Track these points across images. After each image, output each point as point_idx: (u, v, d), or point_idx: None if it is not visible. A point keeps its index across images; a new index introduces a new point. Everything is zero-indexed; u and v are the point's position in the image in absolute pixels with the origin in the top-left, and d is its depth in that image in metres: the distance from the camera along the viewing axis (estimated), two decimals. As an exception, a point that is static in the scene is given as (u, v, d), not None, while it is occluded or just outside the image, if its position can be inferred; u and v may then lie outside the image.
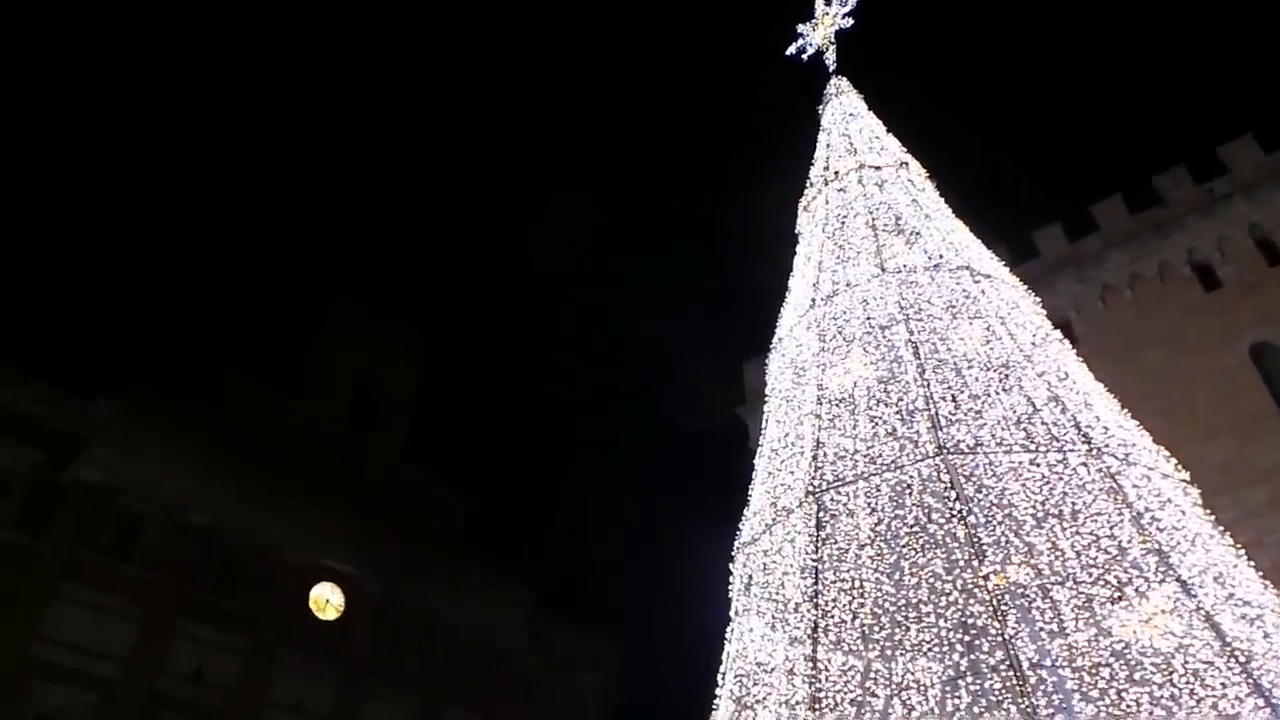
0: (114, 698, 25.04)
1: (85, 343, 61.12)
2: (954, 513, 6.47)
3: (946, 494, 6.60)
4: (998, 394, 7.87)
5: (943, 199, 11.89)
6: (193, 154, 76.71)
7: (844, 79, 15.36)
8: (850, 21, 16.19)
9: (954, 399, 7.60)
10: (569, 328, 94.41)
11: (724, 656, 7.65)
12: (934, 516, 6.55)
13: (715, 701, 7.31)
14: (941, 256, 9.55)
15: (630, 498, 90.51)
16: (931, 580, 6.28)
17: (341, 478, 33.13)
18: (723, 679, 7.27)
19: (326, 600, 31.61)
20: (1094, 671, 6.11)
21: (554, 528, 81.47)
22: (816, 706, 6.11)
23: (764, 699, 6.54)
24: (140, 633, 26.24)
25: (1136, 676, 6.09)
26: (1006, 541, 6.69)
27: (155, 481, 28.11)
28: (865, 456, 7.44)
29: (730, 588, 8.04)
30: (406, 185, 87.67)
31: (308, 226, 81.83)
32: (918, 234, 9.94)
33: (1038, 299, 10.65)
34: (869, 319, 8.82)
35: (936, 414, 7.51)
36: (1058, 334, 9.77)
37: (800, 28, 16.54)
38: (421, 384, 40.29)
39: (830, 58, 15.94)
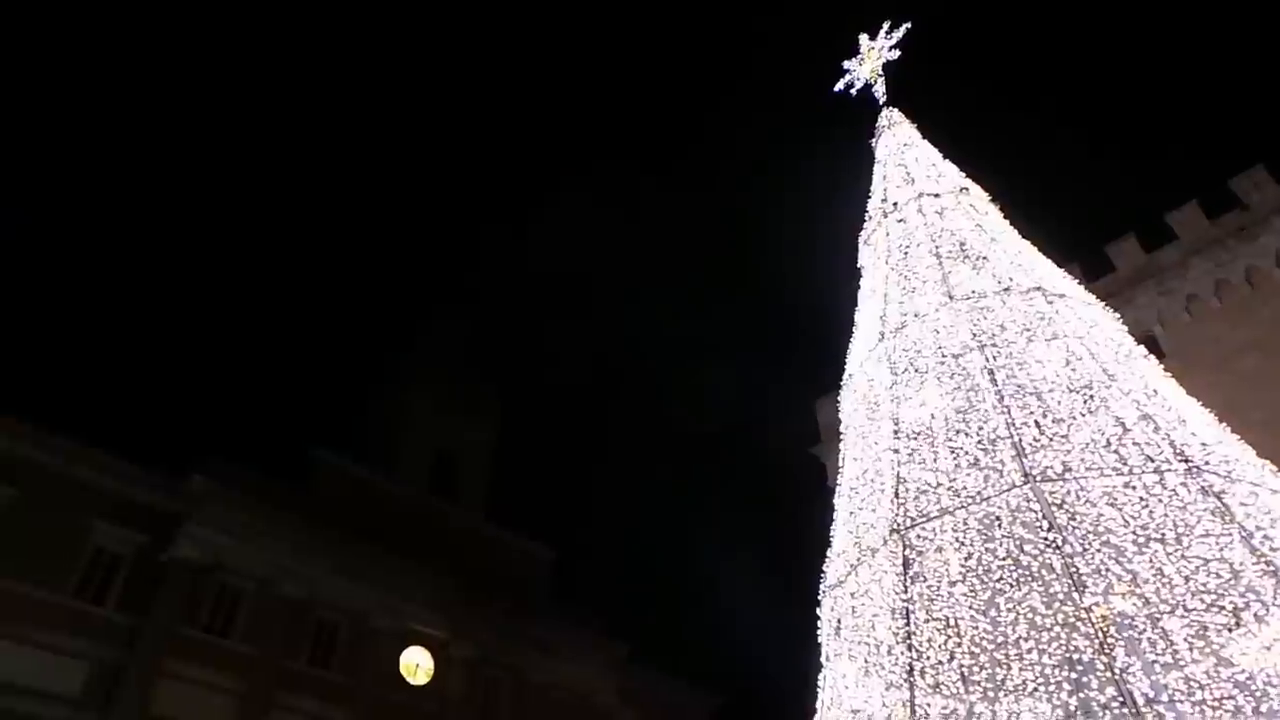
0: (220, 772, 25.57)
1: (175, 424, 63.91)
2: (1048, 543, 6.22)
3: (1038, 524, 6.36)
4: (1083, 416, 7.58)
5: (1007, 221, 11.67)
6: (266, 237, 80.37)
7: (895, 110, 15.31)
8: (898, 54, 16.19)
9: (1037, 424, 7.35)
10: (638, 374, 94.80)
11: (818, 705, 7.45)
12: (1027, 548, 6.30)
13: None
14: (1011, 279, 9.34)
15: (714, 543, 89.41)
16: (1030, 615, 6.02)
17: (427, 542, 33.63)
18: (820, 728, 7.06)
19: (417, 665, 31.87)
20: (1217, 705, 5.74)
21: (641, 578, 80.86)
22: (920, 755, 5.87)
23: (864, 750, 6.32)
24: (241, 707, 26.84)
25: (1264, 709, 5.69)
26: (1107, 570, 6.39)
27: (250, 556, 28.98)
28: (949, 490, 7.23)
29: (819, 632, 7.85)
30: (467, 248, 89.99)
31: (379, 301, 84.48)
32: (984, 258, 9.76)
33: (1117, 315, 10.30)
34: (941, 348, 8.64)
35: (1020, 441, 7.28)
36: (1142, 349, 9.41)
37: (847, 64, 16.58)
38: (499, 443, 40.83)
39: (880, 90, 15.91)
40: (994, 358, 8.31)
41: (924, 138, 14.38)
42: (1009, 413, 7.59)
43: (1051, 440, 7.28)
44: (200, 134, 76.76)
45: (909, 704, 6.17)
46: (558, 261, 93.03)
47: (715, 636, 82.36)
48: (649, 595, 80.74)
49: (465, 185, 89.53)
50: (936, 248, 10.40)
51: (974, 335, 8.74)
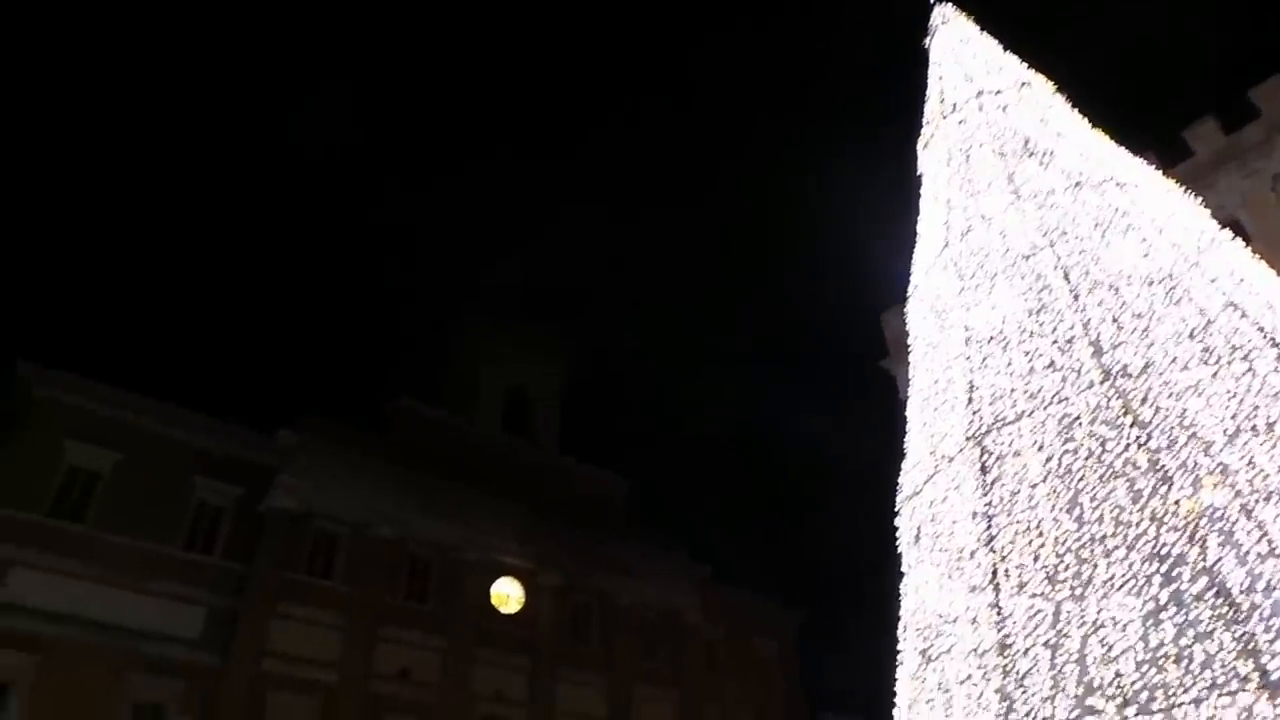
0: (334, 700, 27.31)
1: (262, 383, 66.42)
2: (1132, 440, 6.13)
3: (1120, 421, 6.26)
4: (1165, 308, 7.34)
5: (1075, 113, 11.14)
6: (336, 199, 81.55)
7: (949, 5, 14.61)
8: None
9: (1115, 320, 7.15)
10: (700, 302, 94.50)
11: (902, 612, 7.57)
12: (1109, 446, 6.22)
13: (899, 657, 7.25)
14: (1081, 173, 8.97)
15: (788, 461, 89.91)
16: (1115, 513, 5.97)
17: (507, 478, 34.67)
18: (904, 634, 7.20)
19: (507, 595, 33.23)
20: (1317, 592, 5.66)
21: (719, 502, 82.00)
22: (1006, 652, 5.96)
23: (949, 650, 6.43)
24: (347, 641, 28.47)
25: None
26: (1195, 464, 6.27)
27: (341, 502, 30.35)
28: (1025, 393, 7.12)
29: (899, 542, 7.93)
30: (533, 186, 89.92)
31: (447, 251, 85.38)
32: (1051, 153, 9.38)
33: (1198, 201, 9.84)
34: (1009, 250, 8.40)
35: (1098, 339, 7.10)
36: (1226, 234, 9.01)
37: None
38: (569, 377, 41.47)
39: (933, -15, 15.16)
40: (1066, 255, 8.06)
41: (981, 31, 13.72)
42: (1085, 310, 7.40)
43: (1131, 336, 7.08)
44: (270, 91, 77.66)
45: (994, 605, 6.24)
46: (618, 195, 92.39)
47: (797, 553, 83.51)
48: (729, 517, 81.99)
49: (528, 137, 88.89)
50: (1000, 146, 10.04)
51: (1044, 234, 8.47)
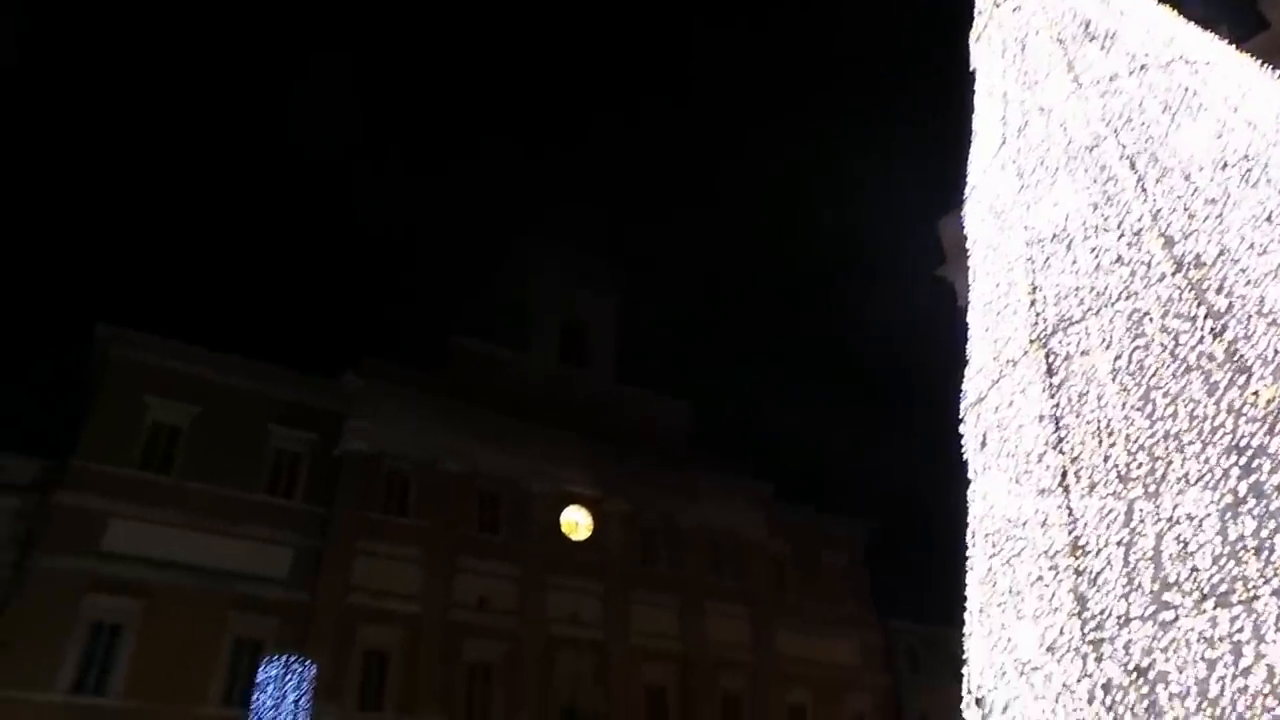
0: (419, 629, 28.62)
1: (327, 330, 68.01)
2: (1206, 331, 5.90)
3: (1194, 313, 6.02)
4: (1241, 192, 6.96)
5: (1139, -12, 10.44)
6: (386, 143, 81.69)
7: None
8: None
9: (1186, 208, 6.81)
10: (756, 220, 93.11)
11: (970, 519, 7.54)
12: (1183, 339, 6.00)
13: (968, 563, 7.24)
14: (1147, 54, 8.44)
15: (848, 379, 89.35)
16: (1190, 408, 5.79)
17: (568, 409, 35.19)
18: (972, 541, 7.17)
19: (576, 522, 34.07)
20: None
21: (780, 419, 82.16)
22: (1078, 553, 5.90)
23: (1019, 553, 6.39)
24: (426, 573, 29.64)
25: None
26: (1275, 352, 6.01)
27: (409, 441, 31.24)
28: (1091, 291, 6.87)
29: (965, 450, 7.83)
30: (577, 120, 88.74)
31: (499, 187, 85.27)
32: (1114, 35, 8.82)
33: (1276, 75, 9.21)
34: (1071, 142, 8.01)
35: (1168, 229, 6.79)
36: (1308, 107, 8.43)
37: None
38: (623, 306, 41.55)
39: None
40: (1132, 143, 7.66)
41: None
42: (1153, 200, 7.05)
43: (1204, 223, 6.75)
44: (321, 39, 77.48)
45: (1064, 507, 6.16)
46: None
47: (861, 467, 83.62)
48: (789, 436, 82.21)
49: (583, 74, 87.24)
50: (1058, 32, 9.49)
51: (1108, 122, 8.04)
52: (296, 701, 21.03)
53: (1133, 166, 7.29)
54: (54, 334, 62.81)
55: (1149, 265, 6.72)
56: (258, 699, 20.83)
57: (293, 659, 21.53)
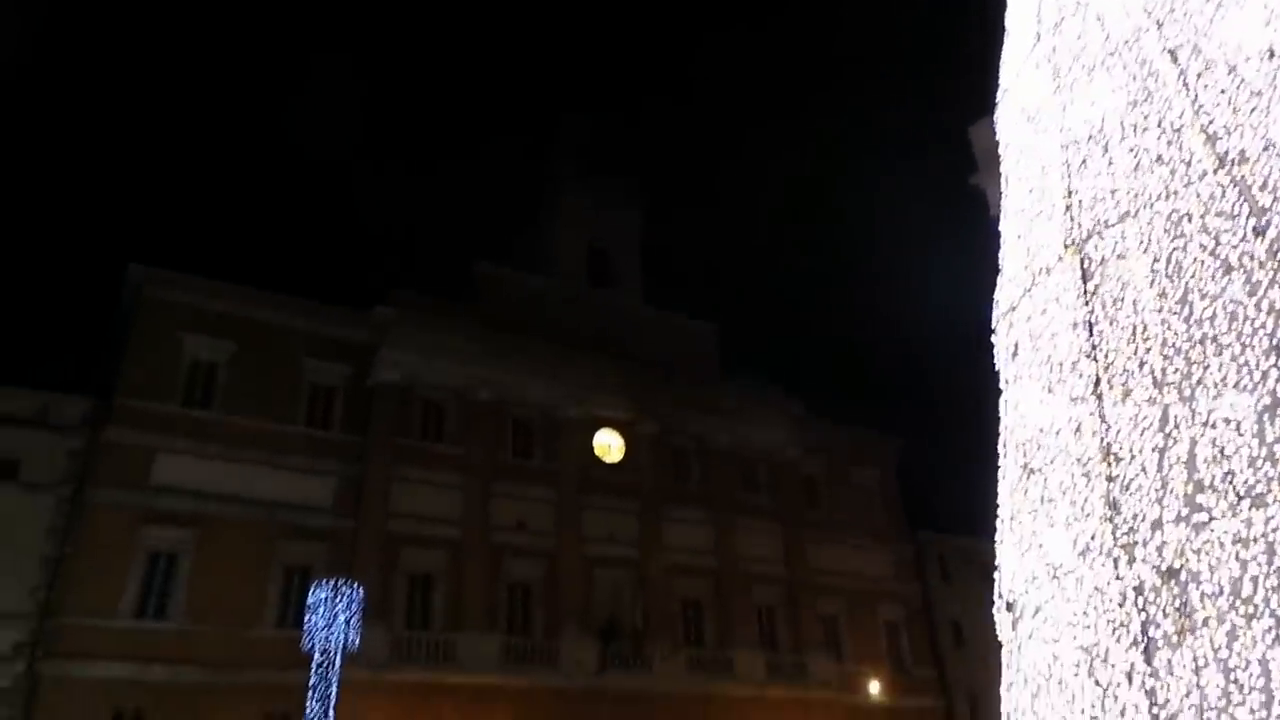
0: (460, 552, 29.46)
1: (356, 263, 68.31)
2: (1249, 229, 5.72)
3: (1237, 211, 5.83)
4: (1289, 82, 6.64)
5: None
6: (398, 77, 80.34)
7: None
8: None
9: (1230, 102, 6.53)
10: (778, 128, 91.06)
11: (1001, 429, 7.51)
12: (1224, 239, 5.83)
13: (999, 473, 7.26)
14: (1192, -63, 7.98)
15: (875, 290, 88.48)
16: (1230, 310, 5.66)
17: (596, 333, 35.28)
18: (1003, 450, 7.17)
19: (608, 445, 34.52)
20: None
21: (808, 335, 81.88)
22: (1111, 459, 5.88)
23: (1051, 460, 6.38)
24: (465, 498, 30.35)
25: None
26: (1321, 249, 5.82)
27: (441, 371, 31.61)
28: (1128, 194, 6.67)
29: (996, 360, 7.76)
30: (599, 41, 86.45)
31: (520, 110, 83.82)
32: (1156, -81, 8.34)
33: (1331, -47, 8.67)
34: (1109, 37, 7.66)
35: (1210, 124, 6.52)
36: (1363, -10, 7.96)
37: None
38: (647, 227, 41.13)
39: None
40: (1174, 35, 7.30)
41: None
42: (1195, 95, 6.76)
43: (1249, 117, 6.47)
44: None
45: (1097, 414, 6.11)
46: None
47: (892, 383, 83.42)
48: (824, 351, 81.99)
49: None
50: (1097, -81, 8.98)
51: (1148, 13, 7.66)
52: (348, 621, 21.90)
53: (1174, 59, 6.96)
54: (88, 276, 63.73)
55: (1189, 163, 6.49)
56: (310, 619, 21.73)
57: (341, 582, 22.35)
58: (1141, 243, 6.25)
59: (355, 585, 22.51)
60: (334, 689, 21.26)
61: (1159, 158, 6.86)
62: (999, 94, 9.84)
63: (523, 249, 40.58)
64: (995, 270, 8.96)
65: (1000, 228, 8.31)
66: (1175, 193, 6.19)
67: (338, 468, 29.18)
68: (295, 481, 28.33)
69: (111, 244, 66.78)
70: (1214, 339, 5.71)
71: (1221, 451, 5.61)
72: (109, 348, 30.17)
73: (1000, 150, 9.13)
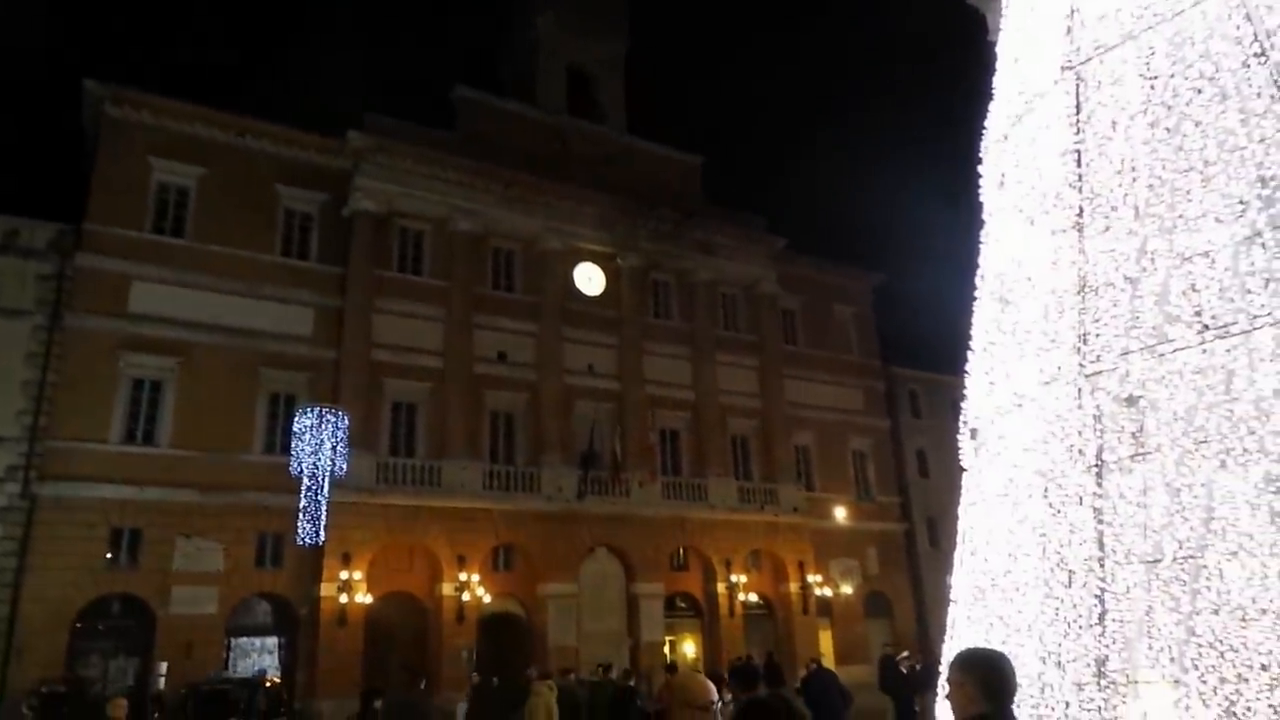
0: (444, 382, 29.94)
1: (330, 88, 65.22)
2: (1252, 53, 5.52)
3: (1239, 32, 5.60)
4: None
5: None
6: None
7: None
8: None
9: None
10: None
11: (980, 260, 7.51)
12: (1224, 64, 5.63)
13: (974, 304, 7.31)
14: None
15: (859, 126, 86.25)
16: (1221, 138, 5.55)
17: (578, 163, 34.41)
18: (981, 280, 7.19)
19: (589, 278, 34.46)
20: None
21: (791, 172, 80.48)
22: (1085, 291, 5.93)
23: (1027, 292, 6.43)
24: (446, 329, 30.51)
25: None
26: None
27: (419, 201, 30.94)
28: (1131, 14, 6.38)
29: (981, 190, 7.65)
30: None
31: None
32: None
33: None
34: None
35: (1226, -61, 6.14)
36: None
37: None
38: (630, 55, 39.27)
39: None
40: None
41: None
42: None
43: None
44: None
45: (1076, 247, 6.11)
46: None
47: (871, 220, 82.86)
48: (802, 190, 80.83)
49: None
50: None
51: None
52: (334, 447, 22.52)
53: None
54: (52, 97, 60.58)
55: (1199, -19, 6.16)
56: (297, 445, 22.32)
57: (325, 409, 22.80)
58: (1140, 67, 6.02)
59: (340, 412, 22.99)
60: (323, 511, 22.15)
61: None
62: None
63: (504, 77, 38.83)
64: (987, 102, 8.66)
65: (997, 49, 7.97)
66: (1181, 11, 5.91)
67: (315, 298, 29.05)
68: (275, 311, 28.25)
69: (74, 65, 63.10)
70: (1201, 170, 5.63)
71: (1193, 285, 5.66)
72: (77, 172, 29.14)
73: (1003, -34, 8.61)
